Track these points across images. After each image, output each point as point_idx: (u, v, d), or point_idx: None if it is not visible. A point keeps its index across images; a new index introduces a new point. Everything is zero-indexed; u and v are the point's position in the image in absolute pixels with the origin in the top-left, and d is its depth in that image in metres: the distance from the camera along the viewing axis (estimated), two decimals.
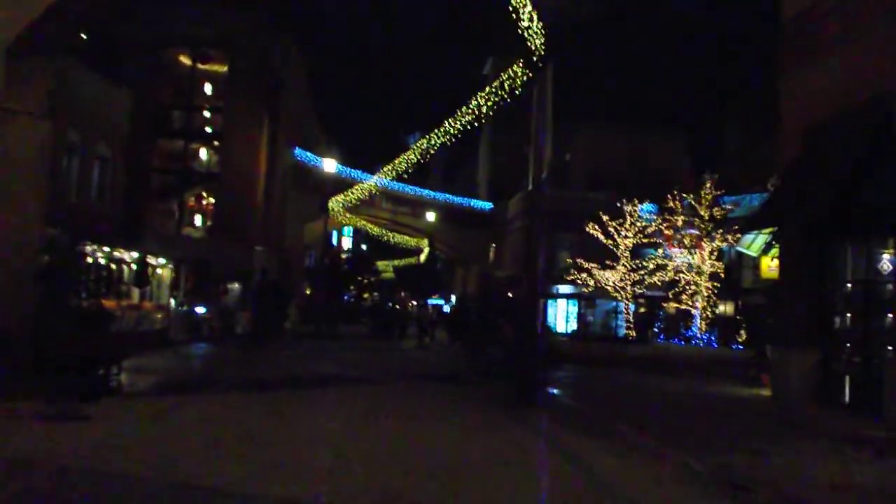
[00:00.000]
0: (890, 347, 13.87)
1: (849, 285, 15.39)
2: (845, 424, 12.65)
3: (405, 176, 32.99)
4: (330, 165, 36.93)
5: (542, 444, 9.53)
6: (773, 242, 19.24)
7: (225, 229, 37.19)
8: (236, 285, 36.42)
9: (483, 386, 16.53)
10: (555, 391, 16.03)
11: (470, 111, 23.46)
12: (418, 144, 28.46)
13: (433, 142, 27.17)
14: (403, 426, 10.19)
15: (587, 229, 35.24)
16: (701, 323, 34.74)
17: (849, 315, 15.32)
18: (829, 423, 12.83)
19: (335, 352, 25.57)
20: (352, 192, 44.85)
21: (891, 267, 12.56)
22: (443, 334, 34.54)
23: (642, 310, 38.99)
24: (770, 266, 18.80)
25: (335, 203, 45.88)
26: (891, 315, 14.01)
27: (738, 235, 32.91)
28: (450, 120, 25.52)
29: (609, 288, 35.89)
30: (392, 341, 33.06)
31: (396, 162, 33.30)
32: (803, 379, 15.63)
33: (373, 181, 44.50)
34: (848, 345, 15.21)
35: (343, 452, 8.25)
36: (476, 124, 23.87)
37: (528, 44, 11.78)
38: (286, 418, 10.39)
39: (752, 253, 19.52)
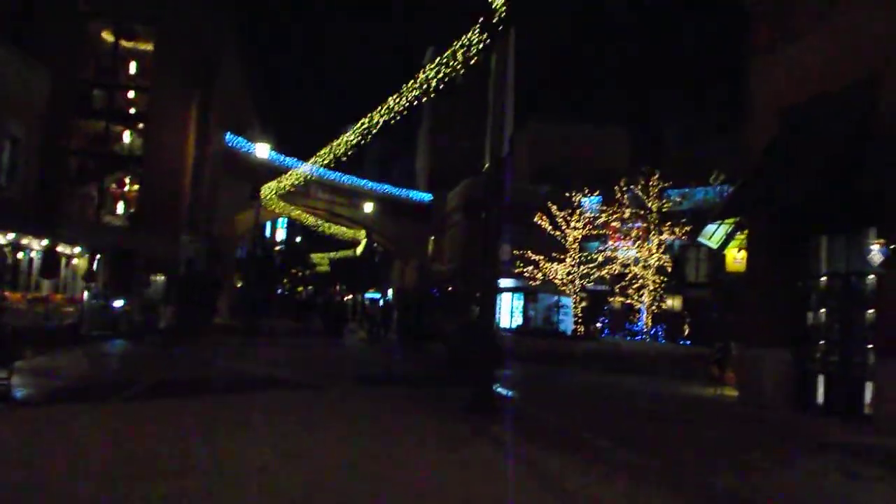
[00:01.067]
0: (871, 346, 12.88)
1: (823, 279, 14.41)
2: (833, 431, 11.57)
3: (344, 160, 30.76)
4: (263, 151, 34.67)
5: (514, 466, 8.03)
6: (737, 233, 18.25)
7: (149, 217, 34.71)
8: (160, 277, 34.04)
9: (431, 388, 15.03)
10: (509, 393, 14.65)
11: (417, 86, 21.67)
12: (360, 124, 26.45)
13: (375, 121, 25.30)
14: (346, 445, 8.54)
15: (535, 220, 34.04)
16: (647, 318, 33.93)
17: (823, 311, 14.33)
18: (814, 430, 11.74)
19: (268, 349, 23.72)
20: (286, 178, 42.44)
21: (882, 257, 11.45)
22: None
23: (584, 304, 38.07)
24: (736, 258, 17.73)
25: (268, 191, 43.58)
26: (871, 310, 13.00)
27: (686, 228, 32.27)
28: (394, 97, 23.65)
29: (557, 281, 34.76)
30: (331, 337, 31.24)
31: (335, 144, 31.07)
32: (776, 379, 14.61)
33: (308, 168, 42.13)
34: (822, 342, 14.24)
35: (268, 487, 6.55)
36: (424, 99, 22.08)
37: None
38: (202, 435, 8.66)
39: (713, 245, 18.42)
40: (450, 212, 56.73)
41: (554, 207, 34.08)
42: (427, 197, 63.92)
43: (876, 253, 11.59)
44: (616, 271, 34.24)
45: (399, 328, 31.07)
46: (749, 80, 16.13)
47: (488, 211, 11.95)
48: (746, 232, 17.56)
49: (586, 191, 34.74)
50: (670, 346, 30.03)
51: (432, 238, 61.14)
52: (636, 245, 33.90)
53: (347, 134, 28.33)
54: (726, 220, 18.17)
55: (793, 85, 14.66)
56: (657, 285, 33.71)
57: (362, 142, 27.03)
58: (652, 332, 33.47)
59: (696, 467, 8.31)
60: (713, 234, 19.10)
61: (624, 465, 8.18)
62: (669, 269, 33.84)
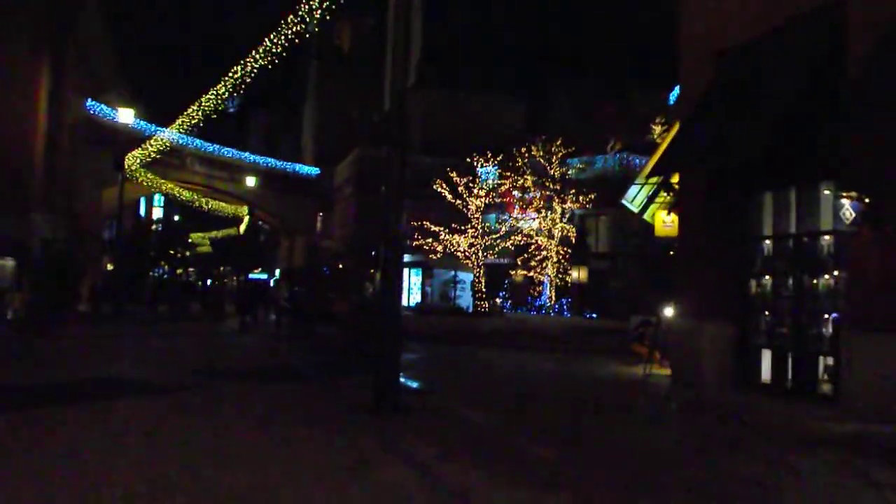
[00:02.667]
0: (827, 316, 11.37)
1: (768, 241, 12.84)
2: (799, 415, 9.93)
3: (214, 116, 27.15)
4: (126, 116, 30.62)
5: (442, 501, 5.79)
6: (659, 194, 16.68)
7: None
8: (10, 261, 29.84)
9: (325, 382, 12.65)
10: (417, 385, 12.42)
11: (296, 22, 18.71)
12: (231, 74, 23.20)
13: (250, 69, 22.15)
14: (211, 483, 6.06)
15: (435, 188, 31.77)
16: (551, 291, 32.43)
17: (768, 278, 12.77)
18: (779, 416, 10.07)
19: (139, 339, 20.63)
20: (151, 145, 38.13)
21: (853, 213, 9.83)
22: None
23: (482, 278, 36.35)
24: (665, 222, 16.08)
25: (135, 162, 39.27)
26: (827, 276, 11.49)
27: (590, 196, 30.96)
28: (271, 35, 20.51)
29: (459, 254, 32.68)
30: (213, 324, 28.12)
31: (204, 99, 27.30)
32: (716, 356, 12.96)
33: (175, 133, 37.79)
34: (767, 313, 12.69)
35: None
36: (307, 36, 19.23)
37: None
38: (15, 469, 6.03)
39: (635, 208, 16.82)
40: (339, 185, 54.00)
41: (454, 174, 31.94)
42: (314, 171, 60.74)
43: (846, 209, 9.96)
44: (522, 242, 32.52)
45: (286, 310, 28.19)
46: (679, 18, 14.33)
47: (390, 153, 9.65)
48: (671, 193, 16.00)
49: (489, 155, 32.72)
50: (578, 321, 28.58)
51: (321, 214, 58.21)
52: (539, 214, 32.26)
53: (218, 86, 24.86)
54: (649, 181, 16.57)
55: (731, 21, 12.95)
56: (561, 256, 32.23)
57: (235, 93, 23.88)
58: (556, 307, 32.00)
59: (684, 488, 6.32)
60: (635, 197, 17.49)
61: (588, 489, 6.11)
62: (573, 240, 32.43)
